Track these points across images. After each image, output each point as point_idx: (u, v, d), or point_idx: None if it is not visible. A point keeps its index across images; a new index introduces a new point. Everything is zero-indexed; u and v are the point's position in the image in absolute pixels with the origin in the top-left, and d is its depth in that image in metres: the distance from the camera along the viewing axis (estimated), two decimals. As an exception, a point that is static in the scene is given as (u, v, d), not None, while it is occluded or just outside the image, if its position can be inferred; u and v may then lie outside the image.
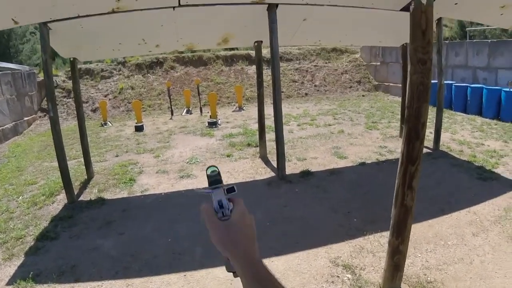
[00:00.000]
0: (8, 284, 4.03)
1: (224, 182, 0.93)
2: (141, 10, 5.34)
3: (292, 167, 7.13)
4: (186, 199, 6.01)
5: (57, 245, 4.86)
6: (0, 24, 4.27)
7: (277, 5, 5.90)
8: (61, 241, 4.95)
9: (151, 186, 6.72)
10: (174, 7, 5.46)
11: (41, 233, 5.19)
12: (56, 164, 7.40)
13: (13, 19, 3.57)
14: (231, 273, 0.87)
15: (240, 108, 14.85)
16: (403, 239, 3.29)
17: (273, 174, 6.91)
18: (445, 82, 9.44)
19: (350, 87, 17.55)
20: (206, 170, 0.96)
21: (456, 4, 4.92)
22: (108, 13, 3.88)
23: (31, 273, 4.12)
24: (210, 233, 0.88)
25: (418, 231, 4.42)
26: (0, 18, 3.72)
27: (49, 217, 5.71)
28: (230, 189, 0.93)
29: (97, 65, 17.50)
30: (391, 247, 3.37)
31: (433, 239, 4.33)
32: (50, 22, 5.37)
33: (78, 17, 4.82)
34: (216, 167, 0.96)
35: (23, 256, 4.61)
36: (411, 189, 3.11)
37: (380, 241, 4.32)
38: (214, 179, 0.94)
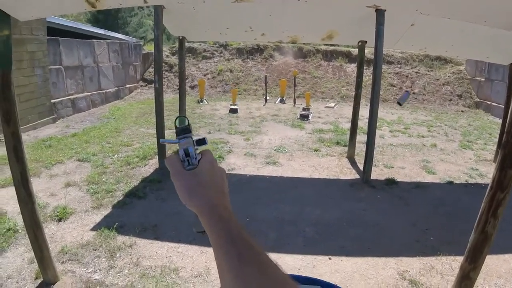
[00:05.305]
0: (92, 229, 4.51)
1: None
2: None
3: (377, 173, 7.03)
4: (268, 184, 6.23)
5: (143, 204, 5.32)
6: (132, 1, 4.63)
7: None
8: (148, 201, 5.40)
9: (238, 167, 7.02)
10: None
11: (130, 190, 5.72)
12: (151, 131, 7.96)
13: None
14: (204, 234, 0.79)
15: (334, 105, 14.79)
16: (476, 266, 3.20)
17: (357, 176, 6.86)
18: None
19: (450, 100, 16.57)
20: (175, 121, 0.91)
21: None
22: (232, 2, 4.05)
23: (116, 224, 4.56)
24: (175, 186, 0.81)
25: (491, 262, 4.21)
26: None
27: (140, 178, 6.25)
28: (201, 141, 0.88)
29: (200, 45, 18.32)
30: (461, 272, 3.29)
31: (505, 275, 4.11)
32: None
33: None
34: (186, 117, 0.90)
35: (110, 208, 5.13)
36: (495, 216, 3.02)
37: (452, 265, 4.20)
38: (182, 128, 0.87)
